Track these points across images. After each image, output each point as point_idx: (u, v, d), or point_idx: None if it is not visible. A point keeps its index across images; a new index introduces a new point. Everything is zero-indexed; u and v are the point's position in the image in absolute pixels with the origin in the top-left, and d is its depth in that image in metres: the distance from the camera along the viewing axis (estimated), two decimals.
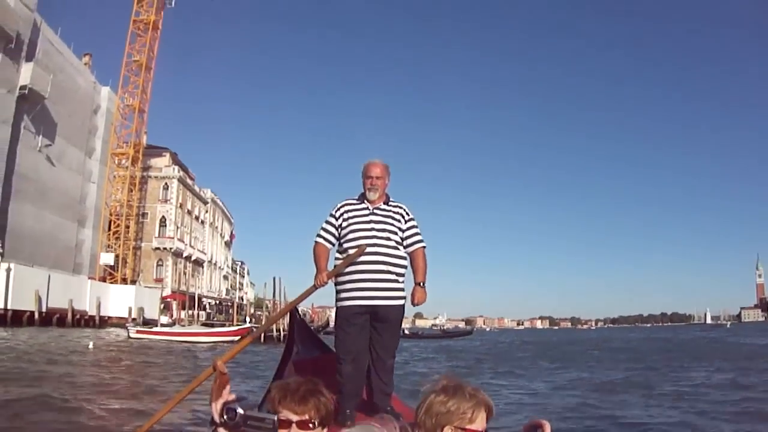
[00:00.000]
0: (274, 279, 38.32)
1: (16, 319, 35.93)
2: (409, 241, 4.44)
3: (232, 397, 2.17)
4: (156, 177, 62.32)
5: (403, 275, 4.42)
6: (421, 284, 4.45)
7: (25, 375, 13.28)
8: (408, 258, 4.47)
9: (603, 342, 45.98)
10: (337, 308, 4.39)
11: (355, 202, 4.49)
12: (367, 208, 4.41)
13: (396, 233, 4.38)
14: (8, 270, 36.32)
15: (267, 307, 60.46)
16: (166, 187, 62.61)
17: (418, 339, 65.50)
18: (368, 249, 4.25)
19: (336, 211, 4.48)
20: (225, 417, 2.10)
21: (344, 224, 4.40)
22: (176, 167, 64.90)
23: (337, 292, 4.41)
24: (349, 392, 4.24)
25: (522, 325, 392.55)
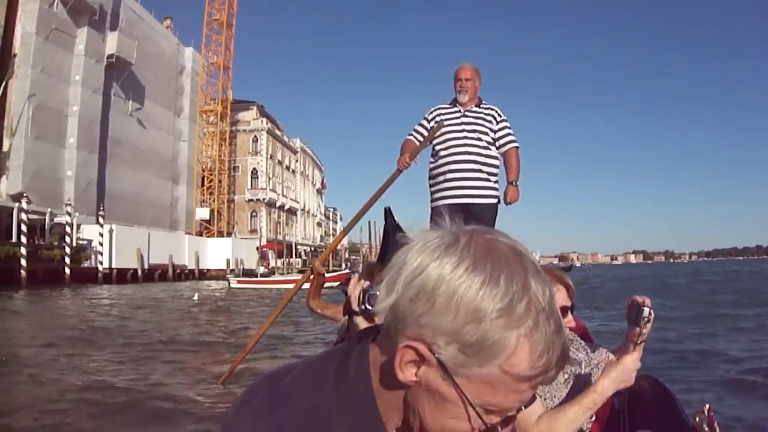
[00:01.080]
0: (369, 223, 38.79)
1: (120, 276, 38.14)
2: (501, 141, 4.48)
3: (366, 283, 2.14)
4: (245, 130, 63.65)
5: (495, 175, 4.49)
6: (514, 183, 4.47)
7: (148, 321, 15.27)
8: (501, 159, 4.53)
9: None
10: (432, 209, 4.51)
11: (447, 105, 4.57)
12: (459, 111, 4.48)
13: (487, 134, 4.43)
14: (111, 231, 38.38)
15: (362, 251, 61.56)
16: (255, 140, 63.88)
17: None
18: (460, 150, 4.36)
19: (429, 114, 4.59)
20: (366, 304, 2.07)
21: (435, 122, 4.50)
22: (264, 119, 65.94)
23: (431, 193, 4.56)
24: None
25: (615, 260, 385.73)
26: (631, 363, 1.92)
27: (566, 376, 2.20)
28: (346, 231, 4.79)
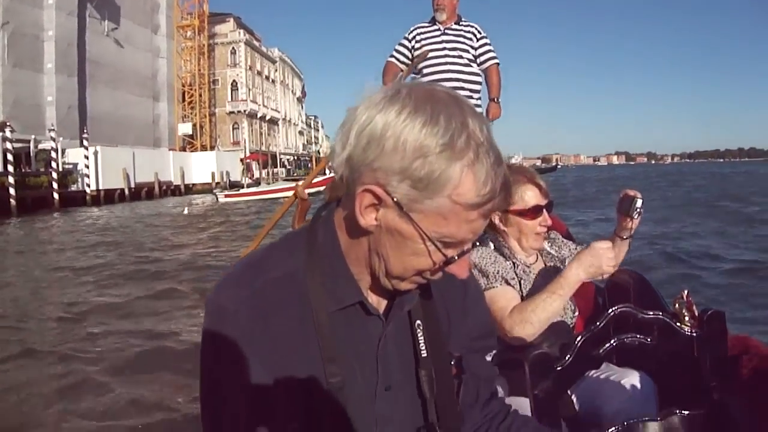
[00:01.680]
0: None
1: (107, 197, 38.90)
2: (482, 58, 4.50)
3: None
4: (222, 43, 63.13)
5: (478, 92, 4.52)
6: (496, 99, 4.51)
7: (150, 239, 16.98)
8: (482, 76, 4.56)
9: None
10: None
11: (426, 24, 4.55)
12: (439, 29, 4.46)
13: (468, 51, 4.45)
14: (95, 153, 38.87)
15: None
16: (233, 52, 63.52)
17: None
18: (442, 68, 4.38)
19: (409, 35, 4.56)
20: None
21: (416, 46, 4.50)
22: (241, 31, 65.16)
23: None
24: None
25: (598, 161, 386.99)
26: (600, 248, 1.95)
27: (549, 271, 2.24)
28: (327, 158, 4.66)
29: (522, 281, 2.15)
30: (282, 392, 0.99)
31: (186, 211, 28.06)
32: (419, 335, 1.10)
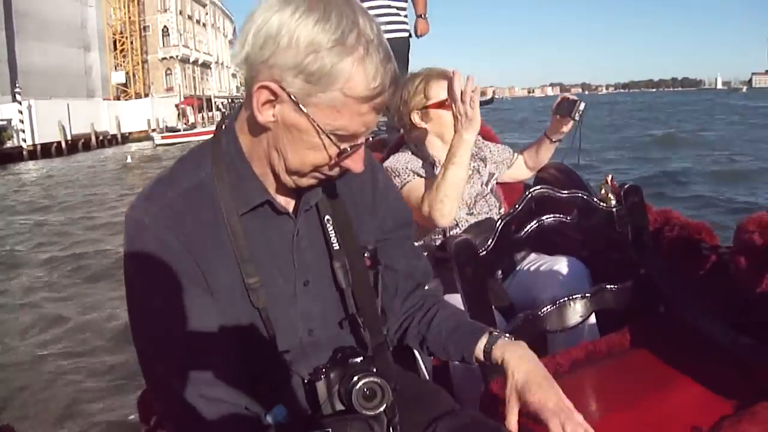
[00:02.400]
0: None
1: (44, 151, 38.60)
2: None
3: None
4: None
5: (404, 9, 4.45)
6: (422, 16, 4.52)
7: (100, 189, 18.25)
8: None
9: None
10: None
11: None
12: None
13: None
14: (29, 107, 38.38)
15: None
16: None
17: None
18: None
19: None
20: None
21: None
22: None
23: None
24: None
25: (533, 93, 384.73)
26: (460, 108, 1.95)
27: (469, 172, 2.20)
28: None
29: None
30: (205, 296, 1.04)
31: (129, 159, 29.03)
32: (329, 229, 1.15)
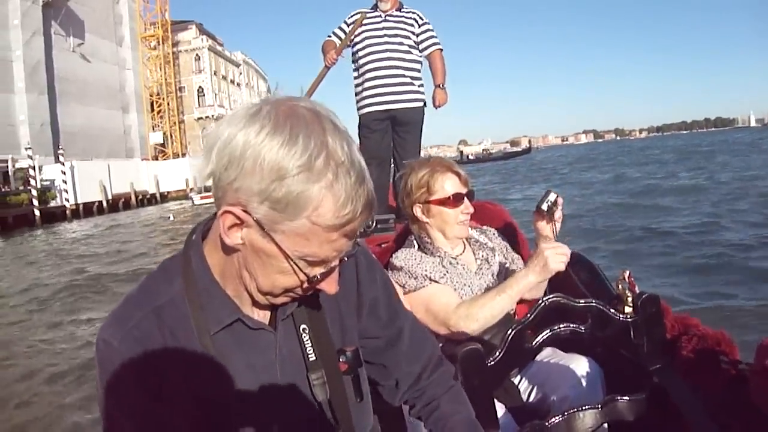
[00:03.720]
0: None
1: (86, 210, 39.56)
2: (424, 44, 4.39)
3: None
4: (186, 50, 63.33)
5: (419, 78, 4.41)
6: (441, 86, 4.43)
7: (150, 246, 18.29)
8: (423, 62, 4.44)
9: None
10: (359, 116, 4.41)
11: (368, 10, 4.42)
12: (380, 16, 4.35)
13: (409, 37, 4.33)
14: (71, 168, 39.38)
15: None
16: (197, 58, 63.70)
17: (484, 162, 71.87)
18: (382, 55, 4.27)
19: (348, 18, 4.44)
20: (365, 227, 3.07)
21: (357, 32, 4.38)
22: (204, 37, 65.47)
23: (357, 101, 4.43)
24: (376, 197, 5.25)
25: (566, 140, 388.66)
26: (546, 249, 1.91)
27: (478, 263, 2.23)
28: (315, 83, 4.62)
29: (448, 272, 2.14)
30: (177, 420, 1.00)
31: (171, 218, 29.38)
32: (305, 339, 1.11)
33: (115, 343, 0.98)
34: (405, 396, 1.35)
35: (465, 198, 2.20)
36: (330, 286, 1.00)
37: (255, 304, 1.06)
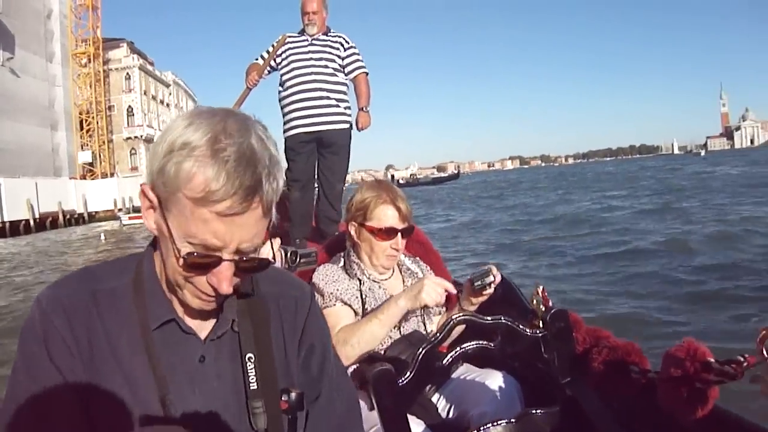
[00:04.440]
0: None
1: (13, 228, 38.19)
2: (350, 68, 4.43)
3: (277, 243, 2.29)
4: (117, 69, 62.37)
5: (345, 101, 4.41)
6: (365, 108, 4.48)
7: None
8: (349, 85, 4.48)
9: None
10: (285, 138, 4.40)
11: (295, 35, 4.46)
12: (306, 39, 4.38)
13: (334, 60, 4.37)
14: None
15: None
16: (128, 77, 62.83)
17: (413, 186, 72.57)
18: (307, 78, 4.29)
19: (276, 42, 4.46)
20: (290, 262, 2.25)
21: (283, 55, 4.40)
22: (135, 56, 64.60)
23: (284, 122, 4.41)
24: (299, 220, 4.34)
25: (492, 166, 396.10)
26: (426, 280, 1.98)
27: (403, 287, 2.26)
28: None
29: (366, 298, 2.15)
30: (71, 397, 0.99)
31: (102, 238, 29.04)
32: (250, 368, 1.09)
33: (43, 303, 1.02)
34: None
35: (399, 235, 2.21)
36: (218, 281, 0.98)
37: (188, 312, 1.08)
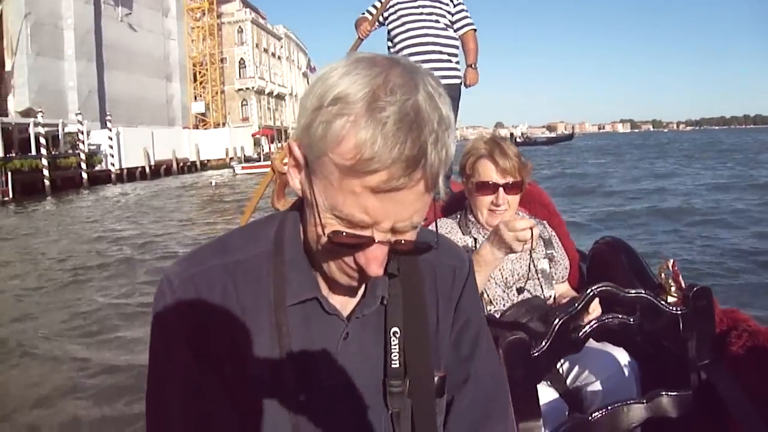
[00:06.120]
0: None
1: (130, 175, 40.84)
2: (458, 24, 4.42)
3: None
4: (230, 22, 64.29)
5: (455, 56, 4.43)
6: (473, 66, 4.46)
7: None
8: (459, 41, 4.46)
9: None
10: None
11: None
12: None
13: (444, 16, 4.36)
14: (117, 134, 40.71)
15: None
16: (240, 30, 64.66)
17: (529, 146, 75.66)
18: (419, 32, 4.31)
19: None
20: None
21: (392, 10, 4.41)
22: (247, 10, 66.37)
23: None
24: None
25: (603, 129, 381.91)
26: (504, 224, 1.83)
27: (523, 251, 2.02)
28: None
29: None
30: (216, 384, 0.94)
31: (213, 183, 31.14)
32: (393, 343, 1.00)
33: (175, 282, 0.94)
34: None
35: (500, 190, 2.09)
36: (368, 262, 0.85)
37: (333, 289, 0.98)
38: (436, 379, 1.01)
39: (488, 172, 2.08)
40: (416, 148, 0.75)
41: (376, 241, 0.83)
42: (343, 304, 0.99)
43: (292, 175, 0.88)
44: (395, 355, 1.00)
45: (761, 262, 8.69)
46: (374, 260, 0.85)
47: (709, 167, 29.25)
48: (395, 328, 1.00)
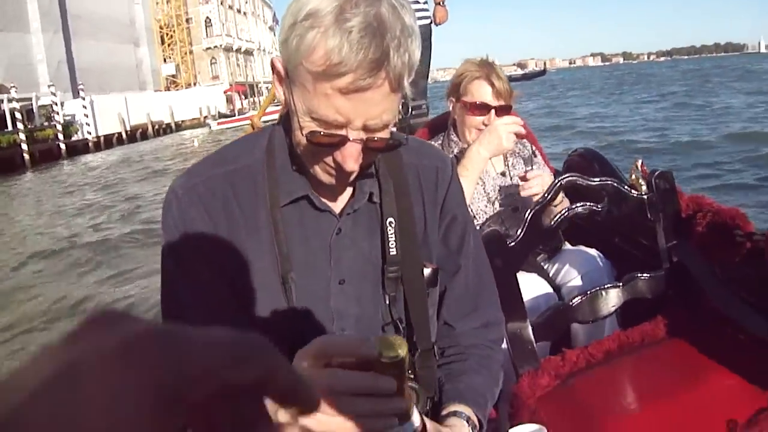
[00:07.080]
0: None
1: (107, 142, 40.27)
2: None
3: None
4: None
5: None
6: (441, 3, 4.39)
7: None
8: None
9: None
10: None
11: None
12: None
13: None
14: (91, 102, 40.28)
15: None
16: None
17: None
18: None
19: None
20: (402, 113, 1.88)
21: None
22: None
23: None
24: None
25: (573, 63, 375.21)
26: (498, 124, 1.91)
27: (504, 167, 2.22)
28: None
29: None
30: (222, 281, 1.01)
31: (196, 143, 31.51)
32: (390, 233, 1.07)
33: (180, 192, 1.01)
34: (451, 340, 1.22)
35: (492, 111, 2.11)
36: (344, 159, 0.93)
37: (323, 188, 1.04)
38: (429, 271, 1.11)
39: (483, 93, 2.11)
40: (379, 51, 0.83)
41: (350, 139, 0.92)
42: (334, 203, 1.08)
43: (277, 86, 0.98)
44: (392, 243, 1.08)
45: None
46: (349, 157, 0.93)
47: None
48: (391, 219, 1.08)
